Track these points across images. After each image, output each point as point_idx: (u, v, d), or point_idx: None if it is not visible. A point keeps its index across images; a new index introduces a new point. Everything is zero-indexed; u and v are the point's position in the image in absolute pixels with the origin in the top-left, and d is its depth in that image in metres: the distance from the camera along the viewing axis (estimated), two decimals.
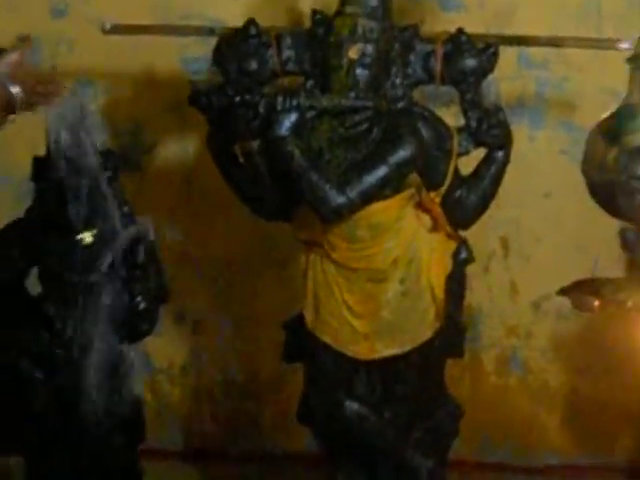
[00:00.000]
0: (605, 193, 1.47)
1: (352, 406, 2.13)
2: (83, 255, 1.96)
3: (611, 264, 2.33)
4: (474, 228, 2.19)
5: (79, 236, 1.93)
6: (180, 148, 2.39)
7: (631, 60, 1.47)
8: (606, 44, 2.09)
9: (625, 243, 2.02)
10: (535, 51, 2.31)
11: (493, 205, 2.17)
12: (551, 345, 2.47)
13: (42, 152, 1.92)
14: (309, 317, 2.15)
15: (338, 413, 2.13)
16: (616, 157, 1.43)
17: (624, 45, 2.01)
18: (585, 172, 1.50)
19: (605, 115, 1.53)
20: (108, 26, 2.10)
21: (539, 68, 2.37)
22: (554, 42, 2.17)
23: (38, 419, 2.01)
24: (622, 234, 2.02)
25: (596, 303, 1.46)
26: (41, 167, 1.97)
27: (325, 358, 2.14)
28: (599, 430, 2.44)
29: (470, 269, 2.21)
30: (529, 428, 2.50)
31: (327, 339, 2.13)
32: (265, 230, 2.34)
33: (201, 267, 2.53)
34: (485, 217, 2.18)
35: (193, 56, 2.30)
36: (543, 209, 2.44)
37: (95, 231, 1.94)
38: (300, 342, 2.18)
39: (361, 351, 2.12)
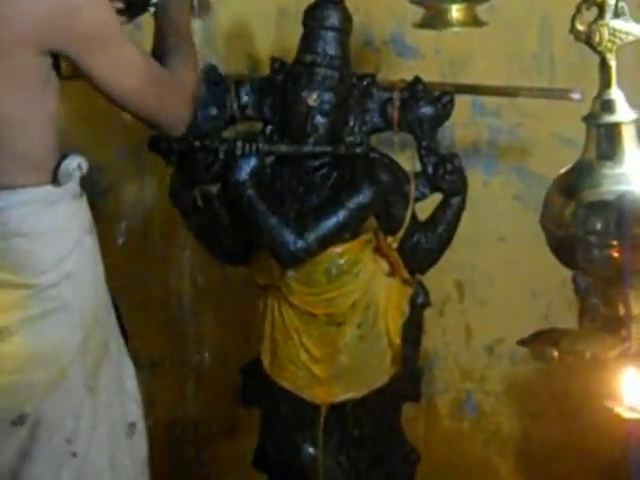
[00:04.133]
0: (563, 247, 1.50)
1: (309, 451, 2.14)
2: None
3: (564, 308, 2.36)
4: (429, 272, 2.22)
5: None
6: (138, 191, 2.38)
7: (587, 118, 1.51)
8: (558, 94, 2.14)
9: (578, 288, 2.06)
10: (489, 99, 2.35)
11: (448, 249, 2.20)
12: (505, 389, 2.50)
13: None
14: (267, 361, 2.15)
15: (295, 458, 2.14)
16: (574, 212, 1.47)
17: (576, 95, 2.06)
18: (544, 226, 1.53)
19: (563, 170, 1.56)
20: (67, 70, 2.10)
21: (493, 115, 2.42)
22: (508, 92, 2.21)
23: None
24: (575, 279, 2.06)
25: (555, 354, 1.49)
26: None
27: (282, 402, 2.15)
28: (552, 475, 2.46)
29: (426, 313, 2.24)
30: (482, 472, 2.52)
31: (285, 383, 2.14)
32: (223, 274, 2.34)
33: (157, 309, 2.51)
34: (440, 261, 2.21)
35: None
36: (497, 253, 2.48)
37: None
38: (257, 386, 2.19)
39: (319, 395, 2.13)
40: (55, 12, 1.61)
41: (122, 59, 1.69)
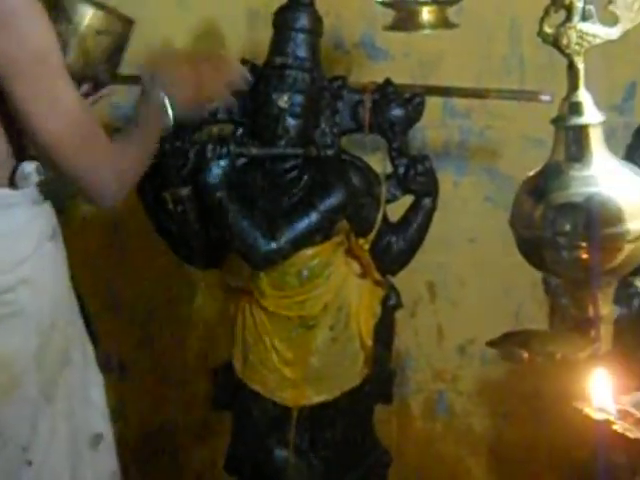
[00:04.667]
0: (532, 249, 1.51)
1: (281, 454, 2.14)
2: None
3: (535, 309, 2.38)
4: (401, 273, 2.23)
5: None
6: None
7: (555, 120, 1.52)
8: (528, 96, 2.15)
9: (548, 288, 2.07)
10: (459, 100, 2.36)
11: (420, 250, 2.21)
12: (477, 389, 2.51)
13: None
14: (238, 364, 2.15)
15: (267, 461, 2.14)
16: (543, 214, 1.47)
17: (545, 97, 2.07)
18: (513, 228, 1.54)
19: (531, 173, 1.57)
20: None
21: (463, 117, 2.43)
22: (478, 93, 2.22)
23: None
24: (545, 280, 2.07)
25: (525, 355, 1.49)
26: None
27: (254, 405, 2.14)
28: (524, 475, 2.48)
29: (397, 314, 2.24)
30: (455, 472, 2.52)
31: (256, 386, 2.13)
32: (193, 277, 2.34)
33: (128, 313, 2.50)
34: (412, 262, 2.22)
35: (119, 103, 2.29)
36: (469, 254, 2.48)
37: None
38: (229, 390, 2.18)
39: (290, 398, 2.13)
40: None
41: (55, 98, 1.54)
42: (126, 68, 2.27)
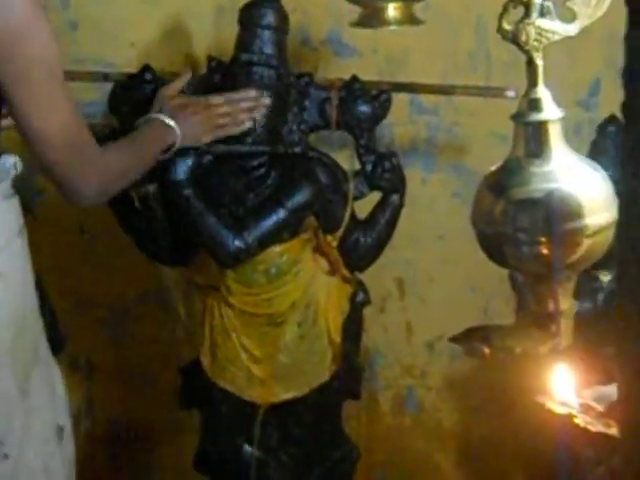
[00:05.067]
0: (493, 245, 1.52)
1: (250, 451, 2.14)
2: None
3: (503, 304, 2.38)
4: (370, 269, 2.23)
5: None
6: None
7: (515, 116, 1.53)
8: (493, 92, 2.16)
9: (514, 284, 2.09)
10: (426, 97, 2.36)
11: (388, 247, 2.21)
12: (445, 385, 2.52)
13: None
14: (206, 362, 2.14)
15: (236, 459, 2.13)
16: (503, 210, 1.48)
17: (510, 93, 2.08)
18: (474, 224, 1.55)
19: (492, 168, 1.58)
20: None
21: (430, 113, 2.43)
22: (445, 90, 2.23)
23: None
24: (512, 276, 2.08)
25: (486, 350, 1.50)
26: None
27: (222, 403, 2.14)
28: (491, 470, 2.49)
29: (366, 310, 2.25)
30: (423, 468, 2.53)
31: (225, 384, 2.13)
32: (160, 275, 2.33)
33: (96, 311, 2.49)
34: (381, 258, 2.22)
35: (88, 100, 2.28)
36: (437, 250, 2.49)
37: None
38: (196, 388, 2.18)
39: (259, 395, 2.13)
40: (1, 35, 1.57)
41: (54, 101, 1.64)
42: (95, 65, 2.27)
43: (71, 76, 2.17)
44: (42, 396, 1.72)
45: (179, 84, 2.05)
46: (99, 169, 1.72)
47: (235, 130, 2.03)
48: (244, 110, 2.01)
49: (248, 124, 2.02)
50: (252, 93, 2.02)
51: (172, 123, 1.93)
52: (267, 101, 2.03)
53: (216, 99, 2.01)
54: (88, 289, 2.47)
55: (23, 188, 1.99)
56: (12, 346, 1.67)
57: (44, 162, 1.68)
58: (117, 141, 1.85)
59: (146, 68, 2.12)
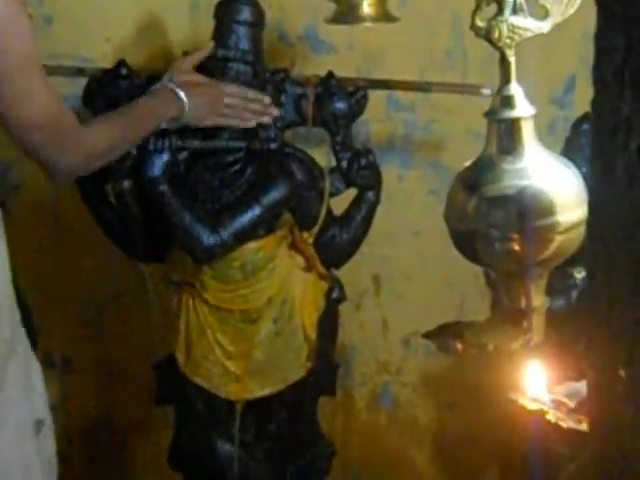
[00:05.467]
0: (466, 241, 1.52)
1: (225, 448, 2.13)
2: None
3: (478, 301, 2.40)
4: (346, 266, 2.23)
5: None
6: (48, 188, 2.35)
7: (488, 113, 1.53)
8: (470, 89, 2.17)
9: (489, 280, 2.10)
10: (403, 94, 2.37)
11: (364, 243, 2.22)
12: (421, 381, 2.52)
13: None
14: (181, 358, 2.14)
15: (211, 455, 2.13)
16: (475, 206, 1.48)
17: (486, 91, 2.09)
18: (447, 221, 1.55)
19: (465, 165, 1.58)
20: None
21: (407, 110, 2.43)
22: (421, 87, 2.23)
23: None
24: (486, 272, 2.09)
25: (459, 346, 1.51)
26: None
27: (197, 400, 2.13)
28: (467, 466, 2.50)
29: (342, 306, 2.25)
30: (399, 464, 2.54)
31: (199, 380, 2.13)
32: (136, 271, 2.32)
33: (71, 307, 2.48)
34: (356, 255, 2.22)
35: (62, 95, 2.27)
36: (413, 247, 2.49)
37: None
38: (171, 384, 2.17)
39: (234, 392, 2.13)
40: None
41: (32, 91, 1.67)
42: (70, 60, 2.26)
43: (46, 71, 2.16)
44: (18, 390, 1.72)
45: (196, 58, 2.03)
46: (81, 148, 1.75)
47: (238, 124, 2.03)
48: (252, 111, 2.02)
49: (251, 124, 2.03)
50: (267, 100, 2.05)
51: (182, 95, 1.94)
52: (276, 113, 2.05)
53: (230, 88, 2.02)
54: (63, 285, 2.46)
55: None
56: None
57: (26, 144, 1.71)
58: (109, 114, 1.87)
59: (121, 63, 2.11)
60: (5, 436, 1.68)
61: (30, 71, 1.66)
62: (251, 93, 2.03)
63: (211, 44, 2.05)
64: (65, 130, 1.72)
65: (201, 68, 2.07)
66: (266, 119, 2.04)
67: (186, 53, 2.12)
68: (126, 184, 2.08)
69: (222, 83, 2.02)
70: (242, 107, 2.01)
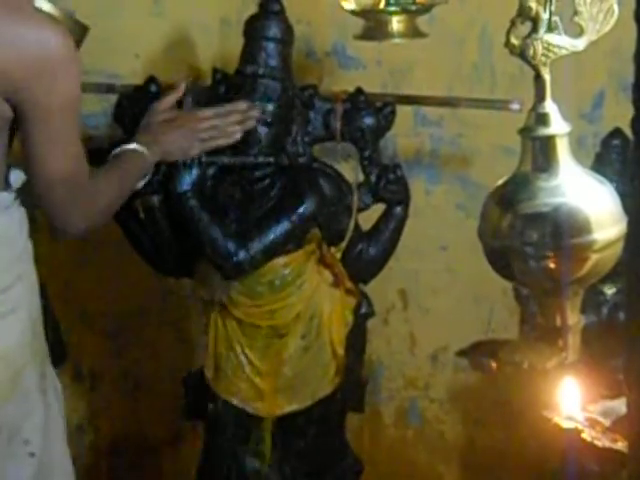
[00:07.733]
0: (500, 259, 1.52)
1: (253, 463, 2.13)
2: None
3: (506, 316, 2.39)
4: (373, 281, 2.23)
5: None
6: None
7: (522, 131, 1.53)
8: (498, 105, 2.16)
9: (518, 296, 2.09)
10: (431, 109, 2.37)
11: (392, 258, 2.21)
12: (449, 397, 2.51)
13: None
14: (210, 374, 2.14)
15: (239, 471, 2.13)
16: (510, 223, 1.48)
17: (514, 106, 2.08)
18: (481, 237, 1.55)
19: (499, 182, 1.58)
20: None
21: (435, 125, 2.44)
22: (449, 102, 2.23)
23: None
24: (516, 288, 2.08)
25: (493, 365, 1.50)
26: None
27: (225, 415, 2.13)
28: None
29: (370, 322, 2.24)
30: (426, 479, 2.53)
31: (228, 396, 2.12)
32: (163, 286, 2.33)
33: (99, 323, 2.49)
34: (385, 270, 2.22)
35: (92, 111, 2.28)
36: (440, 262, 2.49)
37: None
38: (200, 399, 2.17)
39: (262, 408, 2.12)
40: (34, 69, 1.59)
41: (68, 143, 1.66)
42: (99, 76, 2.28)
43: None
44: (55, 394, 1.78)
45: (172, 98, 2.03)
46: (89, 205, 1.75)
47: (225, 142, 2.02)
48: (233, 123, 2.01)
49: (238, 135, 2.02)
50: (242, 105, 2.02)
51: (144, 150, 1.91)
52: (256, 113, 2.02)
53: (204, 112, 2.01)
54: (92, 300, 2.47)
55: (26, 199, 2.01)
56: (32, 346, 1.71)
57: (38, 193, 1.70)
58: (104, 172, 1.84)
59: (151, 79, 2.12)
60: (51, 440, 1.73)
61: (68, 117, 1.65)
62: (223, 109, 2.01)
63: (184, 83, 2.06)
64: (82, 184, 1.72)
65: (230, 85, 2.08)
66: (250, 124, 2.02)
67: (216, 70, 2.13)
68: (155, 199, 2.09)
69: (196, 110, 2.02)
70: (223, 125, 2.00)
